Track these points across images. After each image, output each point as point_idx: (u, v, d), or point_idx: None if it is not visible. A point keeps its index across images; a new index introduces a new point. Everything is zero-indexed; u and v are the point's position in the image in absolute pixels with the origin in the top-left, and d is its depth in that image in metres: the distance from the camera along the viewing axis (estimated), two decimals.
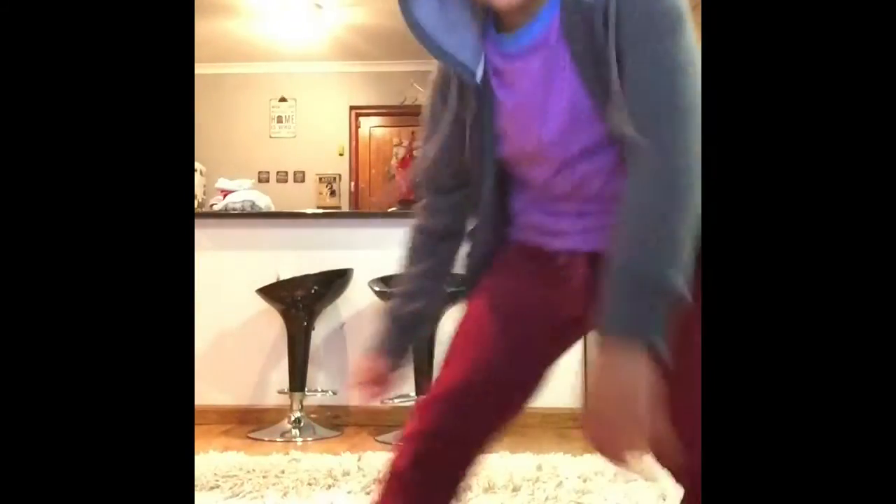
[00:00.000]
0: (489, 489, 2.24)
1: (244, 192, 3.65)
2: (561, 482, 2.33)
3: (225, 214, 3.59)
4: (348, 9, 5.74)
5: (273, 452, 2.78)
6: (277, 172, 7.05)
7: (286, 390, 3.32)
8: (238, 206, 3.59)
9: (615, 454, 0.82)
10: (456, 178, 1.10)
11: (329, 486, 2.33)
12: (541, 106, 0.96)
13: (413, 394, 3.11)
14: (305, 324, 3.30)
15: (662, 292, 0.81)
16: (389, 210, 3.97)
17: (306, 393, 3.33)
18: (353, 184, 7.07)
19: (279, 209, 3.89)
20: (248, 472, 2.46)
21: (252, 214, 3.60)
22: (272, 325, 3.46)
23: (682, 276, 0.82)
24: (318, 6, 5.62)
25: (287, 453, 2.76)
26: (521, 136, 0.99)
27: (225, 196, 3.67)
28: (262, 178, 6.88)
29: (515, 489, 2.27)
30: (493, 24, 1.01)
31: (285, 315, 3.30)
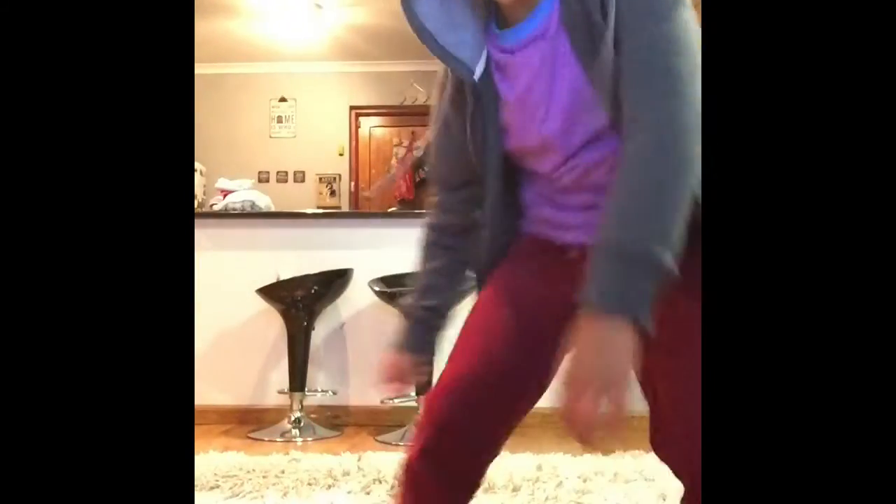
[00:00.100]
0: (489, 489, 2.24)
1: (244, 192, 3.65)
2: (561, 482, 2.33)
3: (225, 214, 3.59)
4: (348, 9, 5.74)
5: (273, 452, 2.78)
6: (277, 172, 7.05)
7: (286, 390, 3.32)
8: (238, 206, 3.59)
9: (586, 430, 0.80)
10: (464, 175, 1.11)
11: (329, 486, 2.33)
12: (543, 97, 0.97)
13: (413, 393, 3.11)
14: (305, 324, 3.30)
15: (650, 268, 0.81)
16: (389, 210, 3.97)
17: (306, 393, 3.33)
18: (353, 184, 7.07)
19: (279, 209, 3.89)
20: (248, 472, 2.45)
21: (252, 214, 3.60)
22: (272, 325, 3.46)
23: (670, 252, 0.81)
24: (318, 6, 5.62)
25: (287, 453, 2.76)
26: (525, 128, 1.00)
27: (225, 196, 3.67)
28: (262, 178, 6.88)
29: (515, 489, 2.27)
30: (495, 20, 1.02)
31: (285, 315, 3.30)
